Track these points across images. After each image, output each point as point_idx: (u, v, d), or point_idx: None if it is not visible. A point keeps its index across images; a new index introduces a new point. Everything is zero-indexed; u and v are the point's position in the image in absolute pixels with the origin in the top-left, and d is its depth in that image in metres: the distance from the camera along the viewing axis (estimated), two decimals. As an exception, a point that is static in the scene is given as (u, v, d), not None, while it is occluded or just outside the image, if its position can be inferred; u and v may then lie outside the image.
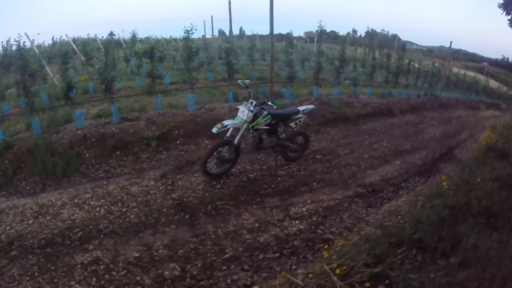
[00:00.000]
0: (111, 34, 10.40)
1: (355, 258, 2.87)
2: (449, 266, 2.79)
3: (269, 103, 5.24)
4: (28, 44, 10.66)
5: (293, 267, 3.30)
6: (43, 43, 20.77)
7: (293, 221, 4.16)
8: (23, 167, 5.63)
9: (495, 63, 65.80)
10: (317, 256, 3.40)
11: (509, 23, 18.96)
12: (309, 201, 4.67)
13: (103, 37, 19.75)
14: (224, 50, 9.99)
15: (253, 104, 5.06)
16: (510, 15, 18.73)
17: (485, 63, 58.17)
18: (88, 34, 21.40)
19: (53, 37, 22.04)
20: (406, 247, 3.07)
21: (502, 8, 18.76)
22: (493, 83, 38.40)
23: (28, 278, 3.26)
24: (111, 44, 11.82)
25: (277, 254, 3.56)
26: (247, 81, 5.68)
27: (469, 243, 3.04)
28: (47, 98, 9.13)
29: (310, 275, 2.76)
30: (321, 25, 9.35)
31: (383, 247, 3.00)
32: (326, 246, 3.45)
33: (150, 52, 7.22)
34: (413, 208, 4.07)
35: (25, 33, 10.40)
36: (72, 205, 4.57)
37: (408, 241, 3.14)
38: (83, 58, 13.68)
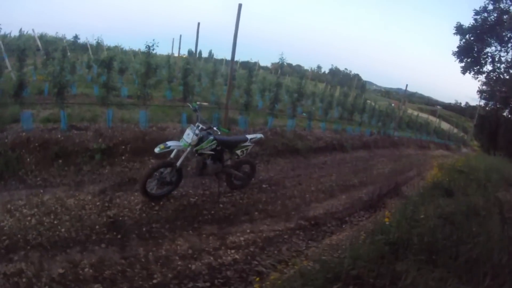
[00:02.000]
0: (76, 37, 10.07)
1: (287, 291, 2.84)
2: None
3: (215, 128, 5.22)
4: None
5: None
6: (10, 33, 19.70)
7: (228, 250, 4.08)
8: None
9: (448, 106, 70.85)
10: (249, 288, 3.34)
11: (461, 70, 20.58)
12: (248, 231, 4.62)
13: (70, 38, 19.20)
14: (183, 71, 9.91)
15: (199, 128, 5.03)
16: (463, 63, 20.44)
17: (438, 107, 62.14)
18: (57, 33, 20.50)
19: (20, 29, 20.99)
20: (342, 283, 3.06)
21: (456, 56, 20.45)
22: (445, 125, 41.11)
23: None
24: (76, 47, 11.40)
25: (208, 284, 3.45)
26: (204, 103, 5.67)
27: (408, 281, 3.10)
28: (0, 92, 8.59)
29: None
30: (282, 57, 9.62)
31: (318, 282, 2.99)
32: (257, 279, 3.41)
33: (108, 62, 7.02)
34: (354, 243, 4.14)
35: None
36: (3, 210, 4.33)
37: (345, 277, 3.12)
38: (44, 57, 13.07)
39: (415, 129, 24.47)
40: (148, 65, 7.22)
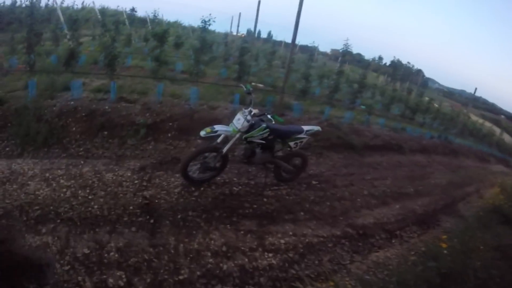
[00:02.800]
0: (133, 10, 10.08)
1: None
2: None
3: (269, 116, 4.73)
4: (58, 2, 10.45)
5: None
6: (73, 4, 20.69)
7: (266, 253, 3.68)
8: (8, 127, 5.40)
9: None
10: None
11: None
12: (290, 233, 4.17)
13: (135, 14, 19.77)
14: (240, 49, 9.49)
15: (252, 113, 4.53)
16: None
17: (502, 116, 57.19)
18: (118, 6, 21.26)
19: (83, 1, 22.01)
20: None
21: None
22: (508, 138, 37.65)
23: None
24: (135, 20, 11.49)
25: (237, 289, 3.09)
26: (259, 85, 5.19)
27: None
28: (56, 60, 8.84)
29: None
30: (347, 44, 8.86)
31: None
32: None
33: (162, 35, 6.80)
34: (403, 265, 3.62)
35: None
36: (41, 178, 4.30)
37: None
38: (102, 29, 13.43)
39: (477, 139, 22.42)
40: (203, 41, 6.89)
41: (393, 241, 4.87)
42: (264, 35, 34.72)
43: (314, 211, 4.91)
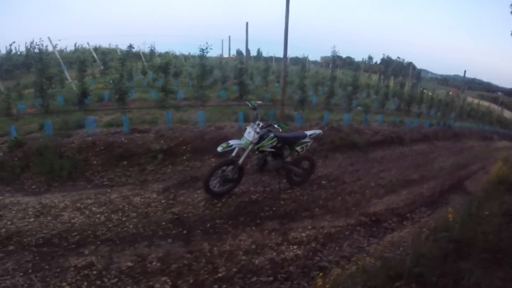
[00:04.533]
0: (130, 46, 10.69)
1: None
2: None
3: (275, 126, 5.23)
4: (50, 48, 11.05)
5: (286, 293, 3.21)
6: (66, 48, 21.57)
7: (290, 246, 4.09)
8: (31, 166, 5.73)
9: (510, 93, 65.03)
10: (312, 284, 3.31)
11: None
12: (309, 227, 4.59)
13: (124, 49, 20.55)
14: (238, 70, 10.07)
15: (260, 126, 5.07)
16: None
17: (499, 93, 57.30)
18: (110, 44, 22.10)
19: (75, 44, 22.91)
20: (405, 281, 2.99)
21: None
22: (508, 114, 37.87)
23: (21, 274, 3.30)
24: (130, 56, 12.14)
25: (271, 278, 3.48)
26: (258, 102, 5.71)
27: (471, 281, 2.95)
28: (63, 101, 9.40)
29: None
30: (334, 50, 9.41)
31: (380, 280, 2.93)
32: (321, 274, 3.38)
33: (165, 67, 7.36)
34: (417, 241, 3.98)
35: (48, 37, 10.70)
36: (73, 208, 4.62)
37: (407, 275, 3.06)
38: (102, 67, 14.05)
39: (477, 119, 22.82)
40: (203, 67, 7.42)
41: (405, 223, 5.25)
42: (253, 53, 35.68)
43: (328, 206, 5.35)
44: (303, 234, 4.38)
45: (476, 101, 29.44)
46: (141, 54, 20.34)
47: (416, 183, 7.21)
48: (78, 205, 4.72)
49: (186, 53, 26.17)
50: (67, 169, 5.69)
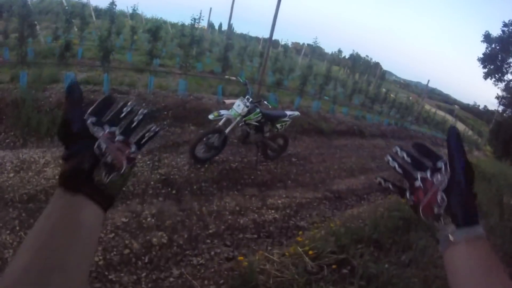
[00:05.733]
0: (113, 3, 10.37)
1: (323, 246, 3.37)
2: (400, 262, 3.36)
3: (265, 102, 5.69)
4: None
5: (269, 247, 3.71)
6: None
7: (269, 210, 4.63)
8: (4, 119, 5.57)
9: (466, 107, 70.45)
10: (290, 242, 3.84)
11: (483, 75, 21.49)
12: (283, 196, 5.17)
13: (96, 6, 19.56)
14: (224, 46, 10.29)
15: (250, 100, 5.47)
16: (486, 69, 21.19)
17: (456, 106, 61.64)
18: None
19: None
20: (365, 244, 3.63)
21: (480, 62, 21.27)
22: (461, 126, 41.09)
23: (8, 232, 3.24)
24: (110, 14, 11.75)
25: (255, 236, 3.99)
26: (232, 78, 6.13)
27: (419, 247, 3.65)
28: (32, 54, 9.01)
29: (287, 253, 3.22)
30: (315, 41, 9.96)
31: (346, 241, 3.53)
32: (300, 233, 3.95)
33: (155, 31, 7.42)
34: (373, 215, 4.66)
35: None
36: (56, 165, 4.51)
37: (367, 240, 3.71)
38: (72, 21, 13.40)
39: (431, 126, 24.67)
40: (193, 36, 7.58)
41: (362, 202, 6.03)
42: (224, 27, 35.29)
43: (298, 180, 5.97)
44: (279, 201, 4.95)
45: (433, 109, 31.72)
46: (115, 13, 19.54)
47: (373, 172, 8.04)
48: (61, 161, 4.74)
49: (159, 18, 25.45)
50: (45, 124, 5.51)
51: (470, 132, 42.03)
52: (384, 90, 18.34)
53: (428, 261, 3.49)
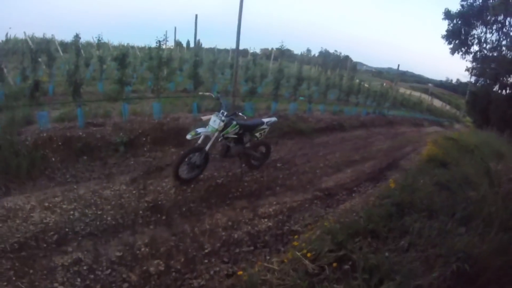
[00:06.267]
0: (77, 36, 10.25)
1: (321, 246, 3.38)
2: (399, 248, 3.40)
3: (240, 114, 5.72)
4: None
5: (267, 257, 3.69)
6: None
7: (262, 220, 4.62)
8: None
9: (439, 84, 72.24)
10: (287, 248, 3.85)
11: (450, 52, 22.13)
12: (274, 203, 5.17)
13: (62, 40, 19.23)
14: (193, 63, 10.31)
15: (224, 114, 5.49)
16: (451, 45, 21.85)
17: (430, 84, 63.07)
18: (44, 34, 20.52)
19: (7, 33, 20.79)
20: (362, 236, 3.68)
21: (445, 39, 21.94)
22: (438, 103, 42.14)
23: (5, 283, 3.16)
24: (76, 46, 11.60)
25: (252, 248, 3.96)
26: (206, 94, 6.20)
27: (415, 230, 3.70)
28: (2, 96, 8.76)
29: (285, 260, 3.22)
30: (282, 45, 10.11)
31: (343, 236, 3.56)
32: (296, 237, 3.95)
33: (122, 58, 7.37)
34: (366, 206, 4.70)
35: None
36: (42, 208, 4.47)
37: (363, 232, 3.77)
38: (39, 59, 13.11)
39: (409, 108, 25.22)
40: (160, 58, 7.56)
41: (353, 195, 6.04)
42: (192, 44, 35.29)
43: (286, 185, 5.99)
44: (270, 209, 4.95)
45: (408, 91, 32.40)
46: (80, 45, 19.29)
47: (358, 163, 8.13)
48: (46, 204, 4.56)
49: (125, 44, 25.31)
50: (25, 168, 5.37)
51: (448, 107, 43.19)
52: (357, 81, 18.64)
53: (426, 242, 3.55)
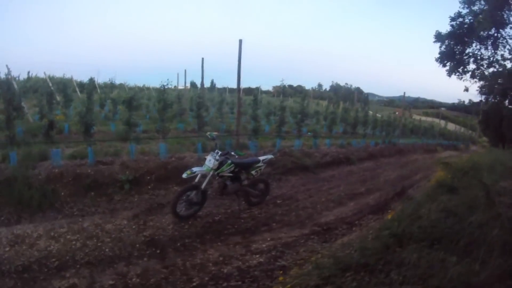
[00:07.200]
0: (91, 79, 10.99)
1: (306, 281, 3.42)
2: (393, 282, 3.34)
3: (232, 153, 6.00)
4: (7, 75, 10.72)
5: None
6: (18, 76, 20.90)
7: (254, 255, 4.66)
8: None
9: (452, 107, 71.16)
10: (276, 283, 3.89)
11: (447, 73, 21.86)
12: (268, 239, 5.21)
13: (81, 80, 20.30)
14: (196, 103, 10.77)
15: (219, 153, 5.78)
16: (447, 66, 21.66)
17: (442, 108, 62.33)
18: (64, 74, 21.78)
19: (28, 72, 22.25)
20: (354, 271, 3.63)
21: (438, 62, 21.73)
22: (452, 126, 41.37)
23: None
24: (90, 88, 12.32)
25: (240, 282, 4.01)
26: (215, 133, 6.43)
27: (412, 263, 3.65)
28: (21, 132, 9.31)
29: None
30: (282, 81, 10.50)
31: (332, 272, 3.56)
32: (281, 272, 4.00)
33: (129, 101, 7.83)
34: (363, 240, 4.68)
35: (6, 65, 10.19)
36: (48, 237, 4.86)
37: (355, 266, 3.70)
38: (57, 98, 13.85)
39: (420, 134, 24.91)
40: (164, 102, 7.98)
41: (354, 228, 6.01)
42: (207, 84, 36.49)
43: (284, 221, 6.04)
44: (264, 245, 4.99)
45: (417, 117, 32.17)
46: (97, 85, 20.32)
47: (363, 195, 8.12)
48: (52, 234, 4.94)
49: (141, 85, 26.54)
50: (36, 200, 5.82)
51: (462, 129, 42.20)
52: (364, 112, 18.68)
53: (423, 273, 3.47)
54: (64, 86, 13.82)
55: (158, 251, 4.68)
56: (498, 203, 5.58)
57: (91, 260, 4.39)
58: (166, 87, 8.35)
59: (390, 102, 71.98)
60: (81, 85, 20.48)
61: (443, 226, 4.55)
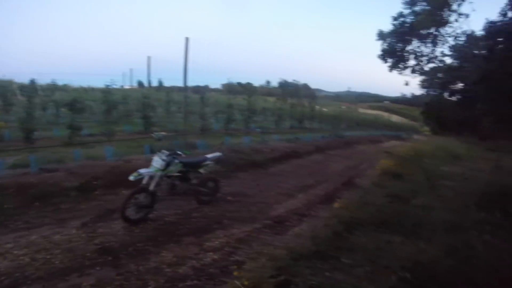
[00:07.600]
0: (33, 81, 10.32)
1: (261, 273, 3.60)
2: (345, 266, 3.62)
3: (180, 152, 6.07)
4: None
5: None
6: None
7: (208, 253, 4.77)
8: None
9: (395, 100, 75.78)
10: (231, 278, 4.02)
11: (388, 69, 23.65)
12: (221, 236, 5.35)
13: (21, 82, 18.93)
14: (142, 105, 10.58)
15: (166, 154, 5.81)
16: (388, 63, 23.39)
17: (386, 101, 65.99)
18: (3, 75, 20.12)
19: None
20: (306, 259, 3.89)
21: (381, 58, 23.46)
22: (396, 118, 44.10)
23: None
24: (31, 90, 11.55)
25: (196, 281, 4.09)
26: (162, 133, 6.44)
27: (361, 246, 3.96)
28: None
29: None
30: (230, 80, 10.63)
31: (285, 261, 3.79)
32: (236, 267, 4.17)
33: (71, 104, 7.54)
34: (314, 229, 4.97)
35: None
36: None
37: (308, 254, 3.99)
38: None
39: (365, 126, 26.30)
40: (109, 102, 7.78)
41: (304, 219, 6.30)
42: (155, 83, 35.52)
43: (235, 217, 6.20)
44: (217, 242, 5.12)
45: (362, 110, 33.89)
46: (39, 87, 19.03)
47: (312, 187, 8.52)
48: None
49: (85, 86, 25.21)
50: None
51: (405, 120, 45.26)
52: (317, 107, 19.40)
53: (372, 255, 3.77)
54: (3, 89, 12.78)
55: (110, 259, 4.60)
56: (440, 186, 6.17)
57: (42, 274, 4.20)
58: (111, 87, 8.12)
59: (337, 97, 74.87)
60: (22, 87, 19.16)
61: (388, 211, 4.99)
